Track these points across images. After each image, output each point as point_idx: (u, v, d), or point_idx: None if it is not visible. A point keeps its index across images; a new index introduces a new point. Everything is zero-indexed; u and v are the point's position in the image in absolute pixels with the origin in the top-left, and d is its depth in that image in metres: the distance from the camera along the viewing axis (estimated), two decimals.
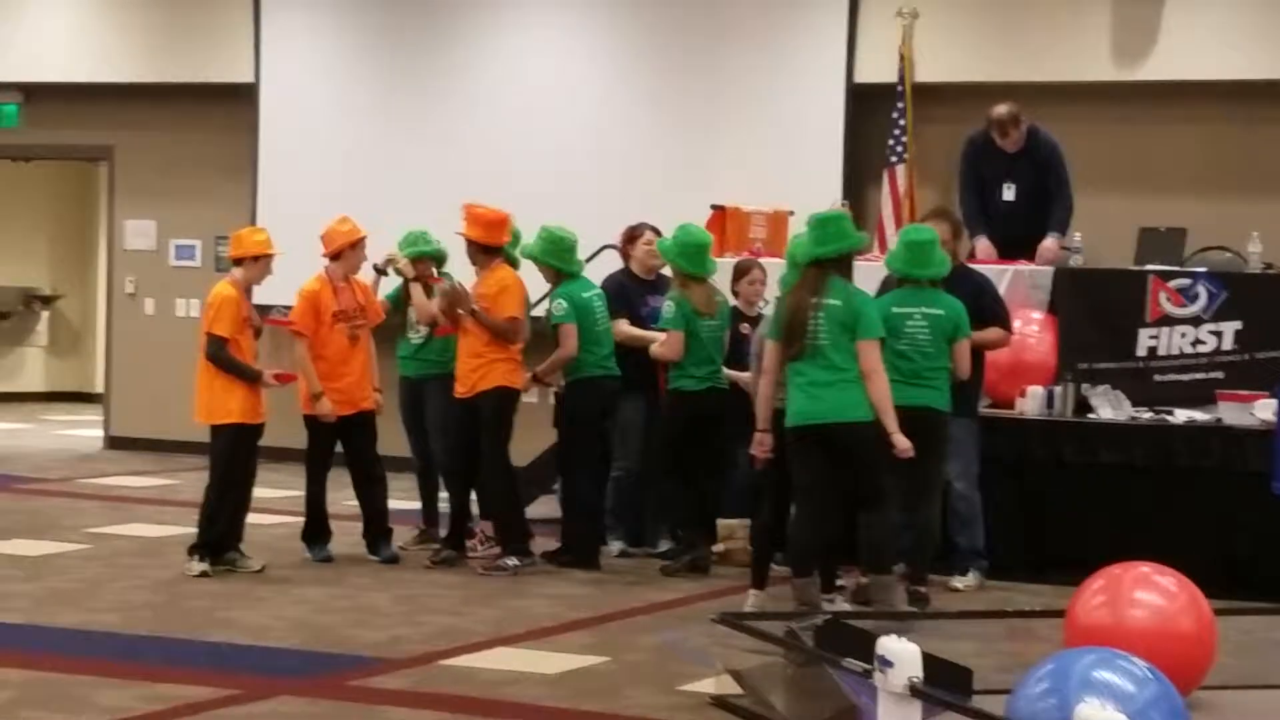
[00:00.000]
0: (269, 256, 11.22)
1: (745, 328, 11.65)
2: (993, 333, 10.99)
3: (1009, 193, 12.56)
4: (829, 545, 9.99)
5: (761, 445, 10.05)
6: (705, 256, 11.55)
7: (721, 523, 11.75)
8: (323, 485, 11.60)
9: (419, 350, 12.06)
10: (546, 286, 11.85)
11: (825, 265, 9.76)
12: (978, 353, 10.85)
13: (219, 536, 11.11)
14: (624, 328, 11.86)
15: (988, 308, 10.97)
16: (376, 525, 11.72)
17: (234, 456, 11.10)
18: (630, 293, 12.05)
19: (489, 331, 11.31)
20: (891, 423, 9.68)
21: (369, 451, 11.68)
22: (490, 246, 11.45)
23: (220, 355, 11.02)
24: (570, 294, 11.57)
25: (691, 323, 11.39)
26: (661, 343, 11.50)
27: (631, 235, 12.25)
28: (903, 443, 9.67)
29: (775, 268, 12.12)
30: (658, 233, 12.14)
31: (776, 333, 9.90)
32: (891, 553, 9.94)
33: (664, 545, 12.00)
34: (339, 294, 11.57)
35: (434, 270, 12.08)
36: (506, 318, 11.32)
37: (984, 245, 12.44)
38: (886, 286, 10.90)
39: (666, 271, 11.93)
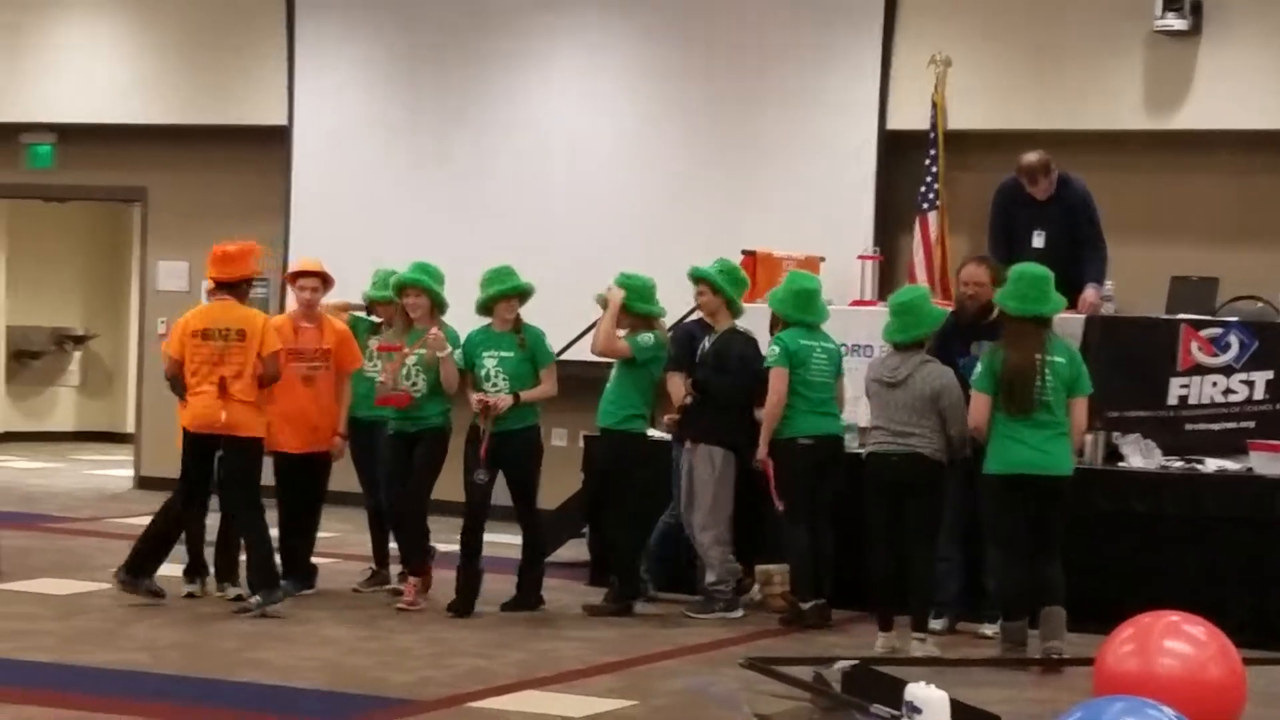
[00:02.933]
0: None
1: None
2: None
3: (1039, 240, 12.52)
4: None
5: None
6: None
7: (759, 568, 11.67)
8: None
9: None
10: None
11: (1044, 322, 10.08)
12: None
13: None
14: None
15: None
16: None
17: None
18: None
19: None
20: None
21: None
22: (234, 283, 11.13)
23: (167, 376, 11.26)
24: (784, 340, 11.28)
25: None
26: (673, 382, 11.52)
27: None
28: None
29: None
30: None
31: (993, 387, 10.07)
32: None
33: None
34: (298, 333, 11.50)
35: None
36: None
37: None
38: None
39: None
